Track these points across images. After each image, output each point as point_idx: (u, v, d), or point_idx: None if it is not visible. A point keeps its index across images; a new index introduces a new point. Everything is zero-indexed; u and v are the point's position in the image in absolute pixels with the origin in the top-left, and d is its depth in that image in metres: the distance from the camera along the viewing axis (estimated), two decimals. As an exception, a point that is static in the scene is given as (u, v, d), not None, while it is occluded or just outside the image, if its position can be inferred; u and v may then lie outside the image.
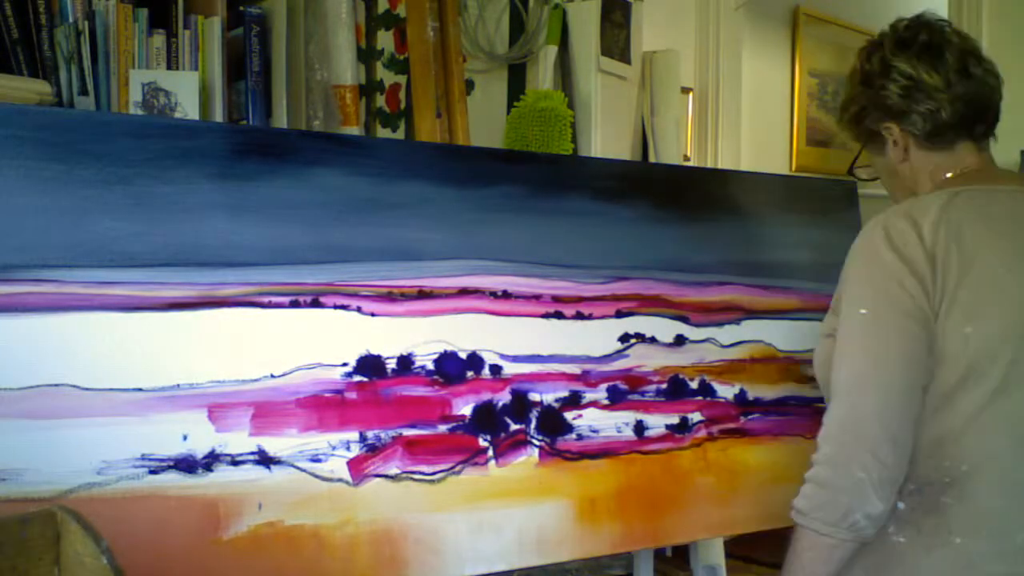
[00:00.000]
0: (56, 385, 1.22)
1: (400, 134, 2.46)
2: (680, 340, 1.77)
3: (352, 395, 1.43)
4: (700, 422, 1.76)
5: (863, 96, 1.47)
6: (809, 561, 1.31)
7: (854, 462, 1.26)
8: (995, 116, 1.45)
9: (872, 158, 1.56)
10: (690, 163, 3.15)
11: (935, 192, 1.40)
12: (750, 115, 3.49)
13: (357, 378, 1.43)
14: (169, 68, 1.96)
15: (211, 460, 1.31)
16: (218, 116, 2.00)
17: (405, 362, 1.48)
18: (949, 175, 1.43)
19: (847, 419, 1.29)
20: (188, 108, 1.92)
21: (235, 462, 1.32)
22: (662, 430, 1.71)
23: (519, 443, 1.56)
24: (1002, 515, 1.29)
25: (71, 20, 1.91)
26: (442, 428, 1.50)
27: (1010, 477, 1.30)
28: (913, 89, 1.41)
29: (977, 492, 1.29)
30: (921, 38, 1.43)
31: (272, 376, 1.37)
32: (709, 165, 3.18)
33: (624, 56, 2.64)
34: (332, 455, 1.39)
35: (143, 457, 1.26)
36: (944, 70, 1.40)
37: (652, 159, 2.72)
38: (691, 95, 3.20)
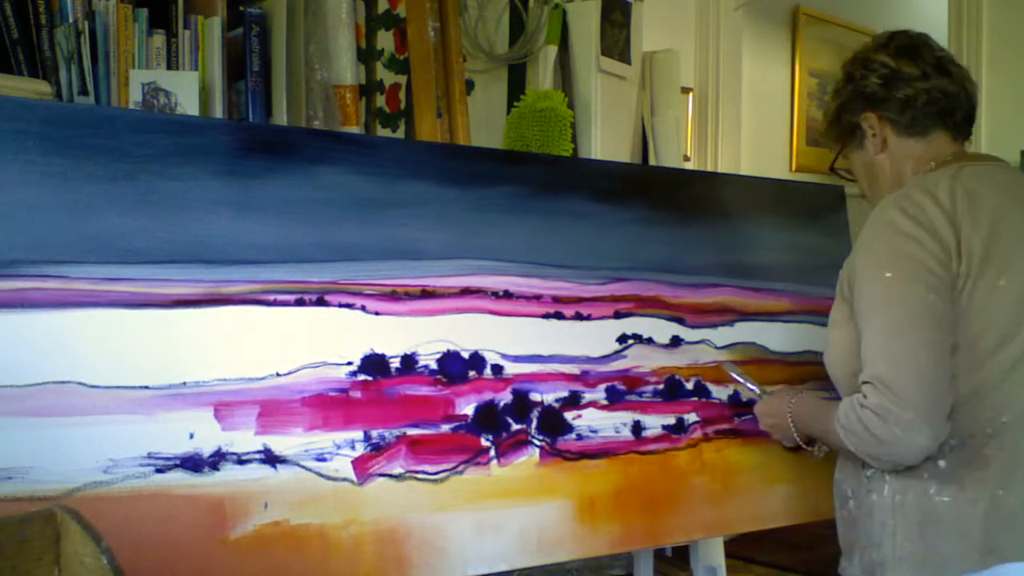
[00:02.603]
0: (62, 382, 1.21)
1: (400, 134, 2.46)
2: (676, 341, 1.77)
3: (357, 394, 1.42)
4: (695, 423, 1.76)
5: (844, 91, 1.54)
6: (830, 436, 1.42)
7: (894, 418, 1.29)
8: (971, 114, 1.51)
9: (851, 156, 1.60)
10: (690, 163, 3.15)
11: (938, 170, 1.44)
12: (750, 115, 3.50)
13: (362, 377, 1.43)
14: (169, 68, 1.96)
15: (217, 459, 1.30)
16: (218, 116, 2.00)
17: (409, 361, 1.48)
18: (933, 164, 1.47)
19: (886, 376, 1.31)
20: (188, 108, 1.92)
21: (241, 461, 1.31)
22: (659, 431, 1.71)
23: (520, 443, 1.56)
24: None
25: (71, 20, 1.91)
26: (445, 428, 1.50)
27: None
28: (891, 77, 1.48)
29: (1018, 443, 1.33)
30: (899, 40, 1.51)
31: (278, 375, 1.36)
32: (709, 165, 3.18)
33: (624, 56, 2.64)
34: (337, 454, 1.39)
35: (150, 456, 1.25)
36: (921, 64, 1.47)
37: (652, 159, 2.72)
38: (691, 95, 3.21)
